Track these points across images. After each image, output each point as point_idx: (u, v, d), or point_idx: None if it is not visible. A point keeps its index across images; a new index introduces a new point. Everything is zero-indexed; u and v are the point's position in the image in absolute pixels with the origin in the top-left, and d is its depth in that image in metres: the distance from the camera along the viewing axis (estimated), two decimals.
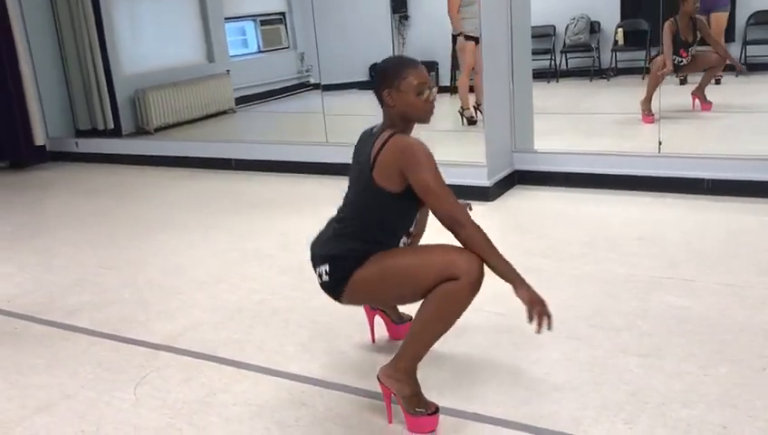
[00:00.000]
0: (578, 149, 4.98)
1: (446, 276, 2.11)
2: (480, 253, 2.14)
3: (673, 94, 6.07)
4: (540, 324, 2.08)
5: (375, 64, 2.38)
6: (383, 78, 2.31)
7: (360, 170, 2.33)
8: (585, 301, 3.11)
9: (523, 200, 4.71)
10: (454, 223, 2.16)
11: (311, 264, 2.42)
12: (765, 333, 2.74)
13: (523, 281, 2.14)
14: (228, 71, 8.87)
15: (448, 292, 2.11)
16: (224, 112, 8.72)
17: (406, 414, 2.29)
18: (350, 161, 2.44)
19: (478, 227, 2.17)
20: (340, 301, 2.37)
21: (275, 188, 5.61)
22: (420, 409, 2.28)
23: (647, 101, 6.07)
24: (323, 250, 2.35)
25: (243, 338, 3.07)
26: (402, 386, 2.29)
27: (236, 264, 3.98)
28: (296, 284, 3.59)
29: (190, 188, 5.88)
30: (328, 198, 5.30)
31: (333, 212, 2.45)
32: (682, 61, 6.17)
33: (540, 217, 4.39)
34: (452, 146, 5.71)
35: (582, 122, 6.73)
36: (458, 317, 2.17)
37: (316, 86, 9.90)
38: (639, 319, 2.93)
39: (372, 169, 2.24)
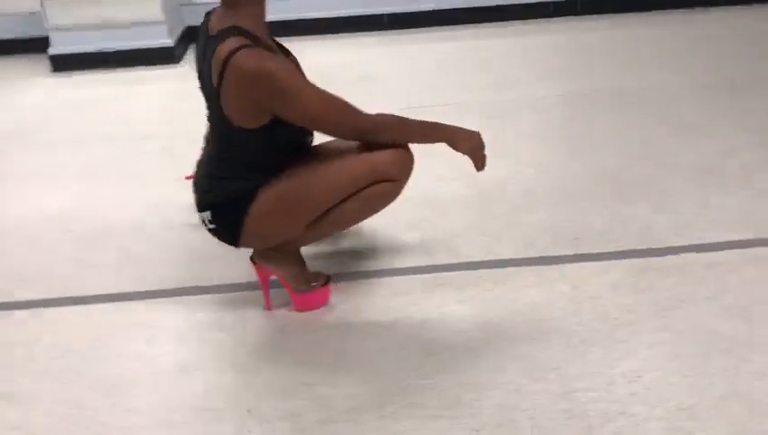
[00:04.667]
0: None
1: (377, 181, 1.86)
2: (402, 141, 1.88)
3: None
4: (484, 164, 1.98)
5: None
6: None
7: (208, 96, 1.84)
8: None
9: None
10: (360, 134, 1.85)
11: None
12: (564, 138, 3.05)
13: (454, 132, 1.93)
14: None
15: (383, 192, 1.89)
16: None
17: (293, 293, 2.05)
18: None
19: (383, 117, 1.86)
20: (237, 247, 1.96)
21: None
22: (313, 283, 2.04)
23: None
24: (203, 192, 1.90)
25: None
26: (286, 265, 2.03)
27: None
28: None
29: None
30: None
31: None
32: None
33: None
34: (118, 5, 4.50)
35: None
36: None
37: None
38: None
39: (221, 106, 1.76)
